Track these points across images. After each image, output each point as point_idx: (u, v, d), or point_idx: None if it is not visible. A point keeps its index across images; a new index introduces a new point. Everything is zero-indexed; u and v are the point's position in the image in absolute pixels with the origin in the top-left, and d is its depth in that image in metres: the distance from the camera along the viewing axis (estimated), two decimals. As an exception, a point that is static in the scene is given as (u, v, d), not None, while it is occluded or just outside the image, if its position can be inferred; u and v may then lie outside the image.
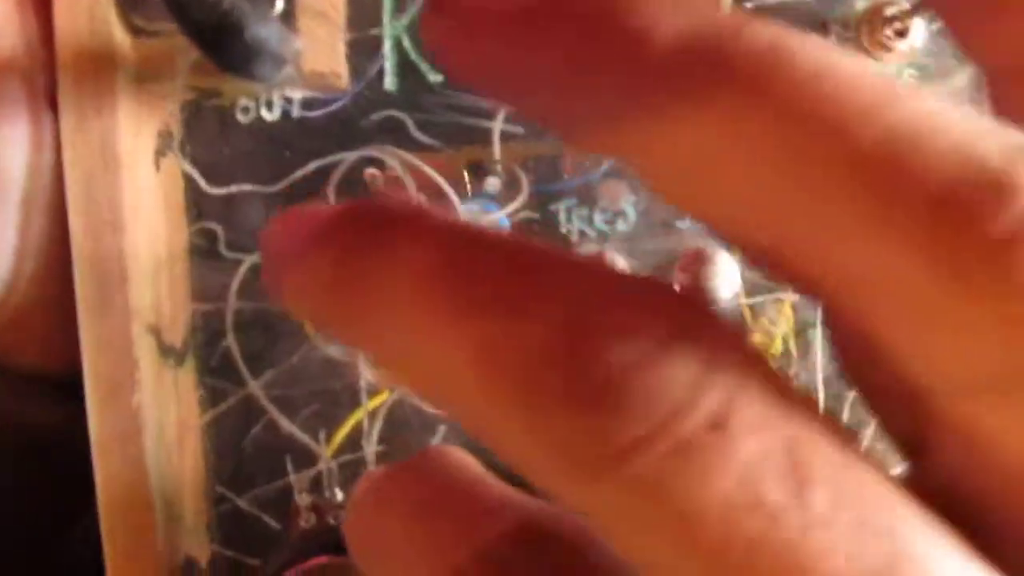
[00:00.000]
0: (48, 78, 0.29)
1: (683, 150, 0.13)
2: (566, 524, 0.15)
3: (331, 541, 0.29)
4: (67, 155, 0.29)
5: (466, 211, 0.30)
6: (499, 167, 0.31)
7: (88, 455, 0.29)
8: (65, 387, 0.31)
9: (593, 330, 0.13)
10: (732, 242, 0.14)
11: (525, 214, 0.31)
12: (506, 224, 0.31)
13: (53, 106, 0.29)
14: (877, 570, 0.12)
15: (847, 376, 0.15)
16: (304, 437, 0.31)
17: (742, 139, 0.12)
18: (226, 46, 0.26)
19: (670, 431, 0.12)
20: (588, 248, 0.31)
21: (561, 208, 0.31)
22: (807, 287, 0.14)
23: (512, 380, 0.13)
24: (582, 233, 0.31)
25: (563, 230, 0.31)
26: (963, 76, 0.31)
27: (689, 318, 0.13)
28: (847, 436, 0.13)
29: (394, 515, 0.16)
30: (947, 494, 0.14)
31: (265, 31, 0.27)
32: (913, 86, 0.12)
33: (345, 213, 0.15)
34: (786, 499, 0.12)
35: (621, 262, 0.31)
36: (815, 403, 0.13)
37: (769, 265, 0.14)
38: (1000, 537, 0.13)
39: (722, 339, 0.13)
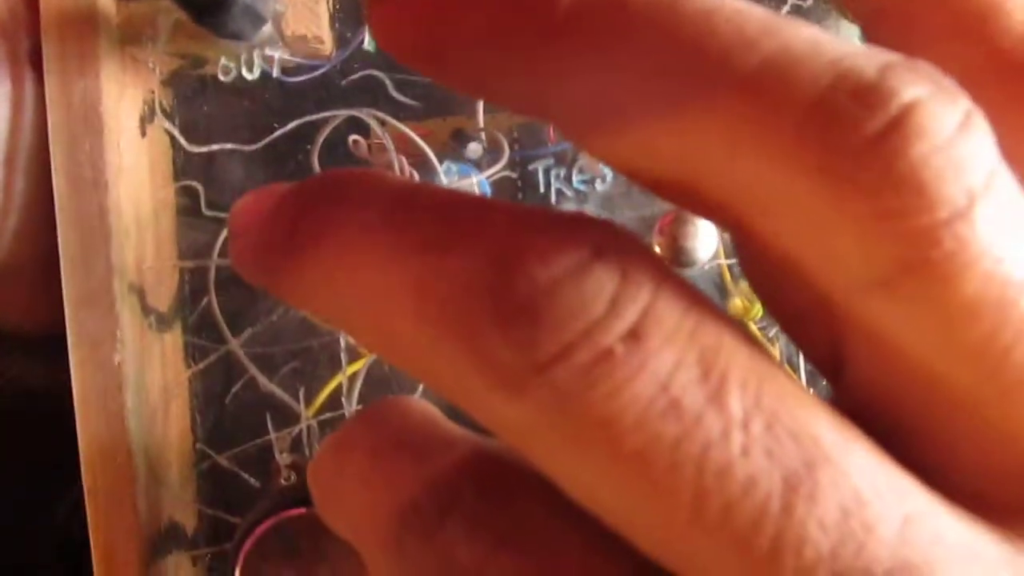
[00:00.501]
0: (31, 39, 0.29)
1: (597, 96, 0.14)
2: (516, 453, 0.15)
3: (308, 497, 0.29)
4: (51, 115, 0.29)
5: (446, 172, 0.31)
6: (483, 135, 0.31)
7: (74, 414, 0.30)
8: (50, 345, 0.31)
9: (517, 257, 0.13)
10: (639, 178, 0.15)
11: (505, 174, 0.31)
12: (486, 186, 0.31)
13: (36, 67, 0.29)
14: (795, 469, 0.13)
15: (764, 306, 0.15)
16: (284, 396, 0.31)
17: (644, 76, 0.13)
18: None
19: (590, 342, 0.13)
20: (566, 209, 0.31)
21: (540, 168, 0.31)
22: (716, 215, 0.14)
23: (445, 308, 0.13)
24: (560, 193, 0.31)
25: (541, 190, 0.31)
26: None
27: (608, 241, 0.13)
28: (759, 345, 0.13)
29: (351, 462, 0.16)
30: (867, 410, 0.14)
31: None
32: (794, 19, 0.13)
33: (298, 187, 0.16)
34: (703, 403, 0.13)
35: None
36: (729, 315, 0.14)
37: (679, 198, 0.14)
38: (915, 446, 0.14)
39: (640, 258, 0.13)
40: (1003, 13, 0.15)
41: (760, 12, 0.13)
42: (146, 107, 0.31)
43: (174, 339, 0.31)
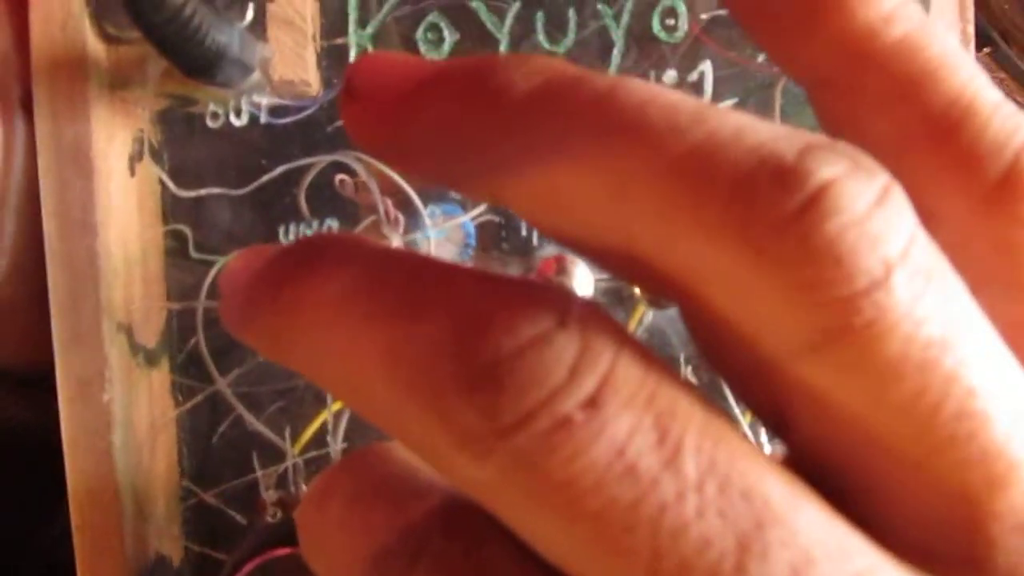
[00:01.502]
0: (22, 84, 0.30)
1: (540, 183, 0.15)
2: None
3: (294, 534, 0.30)
4: (41, 160, 0.30)
5: (430, 215, 0.31)
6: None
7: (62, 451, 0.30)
8: (43, 384, 0.32)
9: (483, 325, 0.14)
10: (585, 253, 0.16)
11: (488, 217, 0.32)
12: (470, 228, 0.32)
13: (27, 110, 0.30)
14: (746, 529, 0.13)
15: (713, 367, 0.16)
16: (270, 434, 0.31)
17: (588, 165, 0.14)
18: (187, 51, 0.27)
19: (550, 409, 0.13)
20: (548, 251, 0.31)
21: (522, 212, 0.31)
22: (659, 286, 0.15)
23: (413, 373, 0.14)
24: (542, 236, 0.32)
25: (524, 232, 0.32)
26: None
27: (570, 310, 0.14)
28: (714, 408, 0.14)
29: (332, 507, 0.17)
30: (815, 465, 0.15)
31: (227, 37, 0.28)
32: (725, 107, 0.14)
33: (283, 251, 0.16)
34: (659, 468, 0.13)
35: (581, 266, 0.31)
36: (684, 380, 0.14)
37: (629, 273, 0.15)
38: (862, 501, 0.14)
39: (600, 326, 0.14)
40: (936, 79, 0.16)
41: (692, 102, 0.14)
42: (135, 145, 0.31)
43: (161, 374, 0.32)
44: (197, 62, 0.28)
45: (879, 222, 0.13)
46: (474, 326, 0.14)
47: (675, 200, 0.14)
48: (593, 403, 0.13)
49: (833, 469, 0.15)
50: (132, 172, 0.31)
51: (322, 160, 0.31)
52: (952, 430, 0.14)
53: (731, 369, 0.16)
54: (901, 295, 0.13)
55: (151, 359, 0.31)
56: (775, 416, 0.15)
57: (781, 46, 0.17)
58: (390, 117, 0.16)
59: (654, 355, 0.14)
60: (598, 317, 0.14)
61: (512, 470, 0.14)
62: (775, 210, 0.13)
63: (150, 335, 0.31)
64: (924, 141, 0.16)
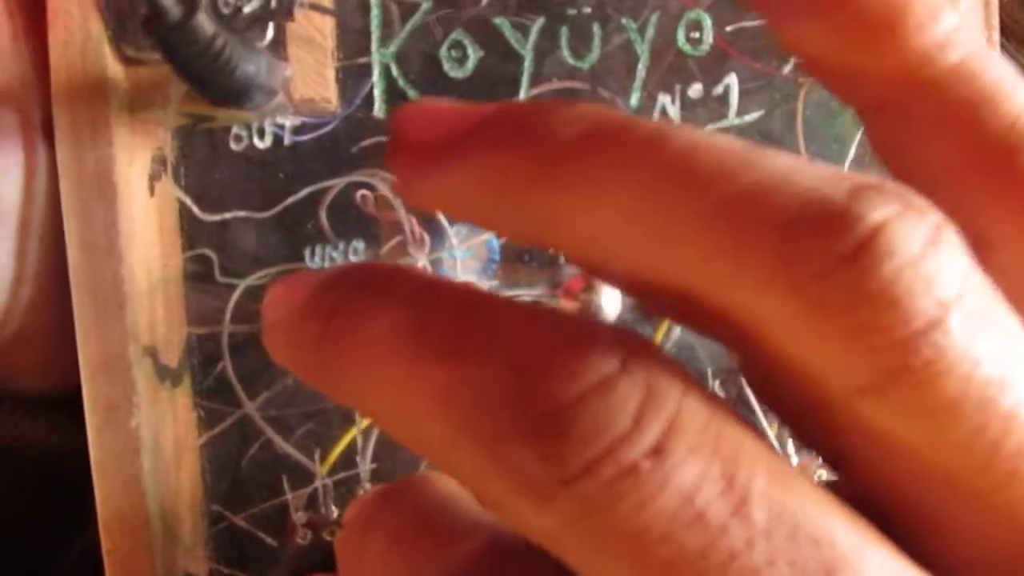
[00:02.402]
0: (43, 110, 0.29)
1: (587, 228, 0.15)
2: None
3: (326, 558, 0.30)
4: (63, 185, 0.30)
5: (456, 233, 0.31)
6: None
7: (87, 474, 0.30)
8: (64, 408, 0.32)
9: (543, 369, 0.14)
10: (631, 292, 0.16)
11: (513, 234, 0.31)
12: (494, 244, 0.31)
13: (48, 135, 0.29)
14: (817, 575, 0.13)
15: (764, 403, 0.16)
16: (299, 456, 0.31)
17: (636, 210, 0.14)
18: (217, 83, 0.27)
19: (615, 457, 0.13)
20: (574, 270, 0.31)
21: (547, 228, 0.31)
22: (706, 328, 0.15)
23: (470, 416, 0.14)
24: (568, 253, 0.31)
25: (551, 251, 0.31)
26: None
27: (633, 353, 0.14)
28: (777, 451, 0.14)
29: (375, 540, 0.17)
30: (874, 504, 0.15)
31: (254, 67, 0.27)
32: (771, 149, 0.14)
33: (326, 282, 0.16)
34: (727, 514, 0.13)
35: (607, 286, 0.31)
36: (748, 422, 0.14)
37: (668, 312, 0.16)
38: (925, 538, 0.14)
39: (663, 370, 0.14)
40: (992, 105, 0.16)
41: (739, 145, 0.14)
42: (155, 165, 0.31)
43: (184, 393, 0.31)
44: (227, 93, 0.27)
45: (933, 263, 0.13)
46: (534, 370, 0.14)
47: (726, 246, 0.14)
48: (658, 450, 0.13)
49: (895, 507, 0.15)
50: (152, 192, 0.31)
51: (346, 180, 0.31)
52: (1014, 466, 0.14)
53: (784, 406, 0.16)
54: (958, 335, 0.13)
55: (175, 379, 0.31)
56: (832, 453, 0.15)
57: (835, 72, 0.17)
58: (437, 166, 0.16)
59: (716, 396, 0.14)
60: (660, 359, 0.14)
61: (578, 518, 0.13)
62: (828, 255, 0.13)
63: (172, 355, 0.31)
64: (979, 167, 0.16)
